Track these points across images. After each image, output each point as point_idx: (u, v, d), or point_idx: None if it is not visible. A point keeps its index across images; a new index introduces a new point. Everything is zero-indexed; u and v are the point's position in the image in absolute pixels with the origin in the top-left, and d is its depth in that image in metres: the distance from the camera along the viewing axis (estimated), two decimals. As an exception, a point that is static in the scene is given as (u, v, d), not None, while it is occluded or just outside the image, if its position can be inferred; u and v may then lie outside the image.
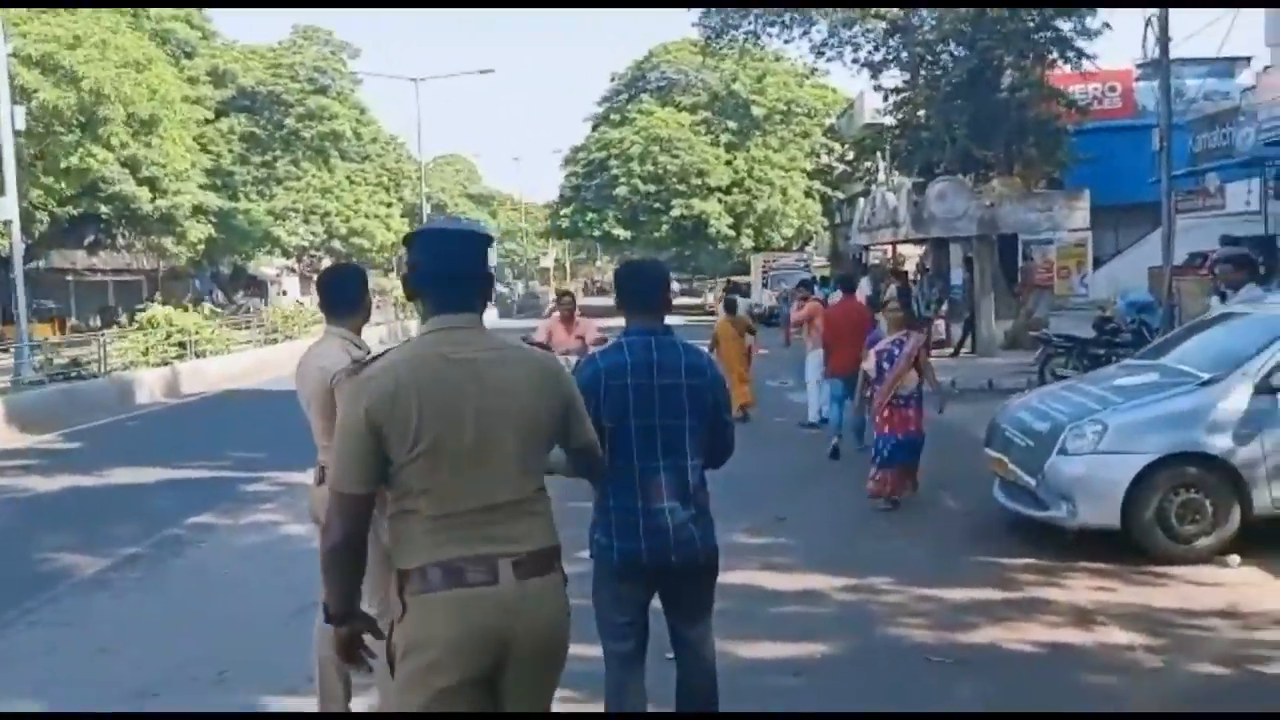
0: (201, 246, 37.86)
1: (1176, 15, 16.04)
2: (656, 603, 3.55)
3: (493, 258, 4.38)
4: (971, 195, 19.85)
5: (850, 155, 35.24)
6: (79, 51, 28.59)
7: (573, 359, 7.60)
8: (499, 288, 53.28)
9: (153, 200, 32.96)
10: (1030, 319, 19.61)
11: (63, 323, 34.19)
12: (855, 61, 25.56)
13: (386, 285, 43.81)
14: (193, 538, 8.04)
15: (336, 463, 2.52)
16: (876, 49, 25.01)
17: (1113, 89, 29.04)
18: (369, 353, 3.67)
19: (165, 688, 4.94)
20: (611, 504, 3.42)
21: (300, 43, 48.33)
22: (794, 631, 5.43)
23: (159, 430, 14.86)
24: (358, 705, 4.21)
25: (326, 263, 43.62)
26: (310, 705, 4.27)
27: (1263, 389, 6.44)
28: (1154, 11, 15.73)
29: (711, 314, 26.03)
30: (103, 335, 20.72)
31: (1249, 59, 25.88)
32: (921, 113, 23.80)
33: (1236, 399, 6.45)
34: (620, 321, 3.61)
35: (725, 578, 3.72)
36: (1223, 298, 8.96)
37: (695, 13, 26.84)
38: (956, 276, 21.78)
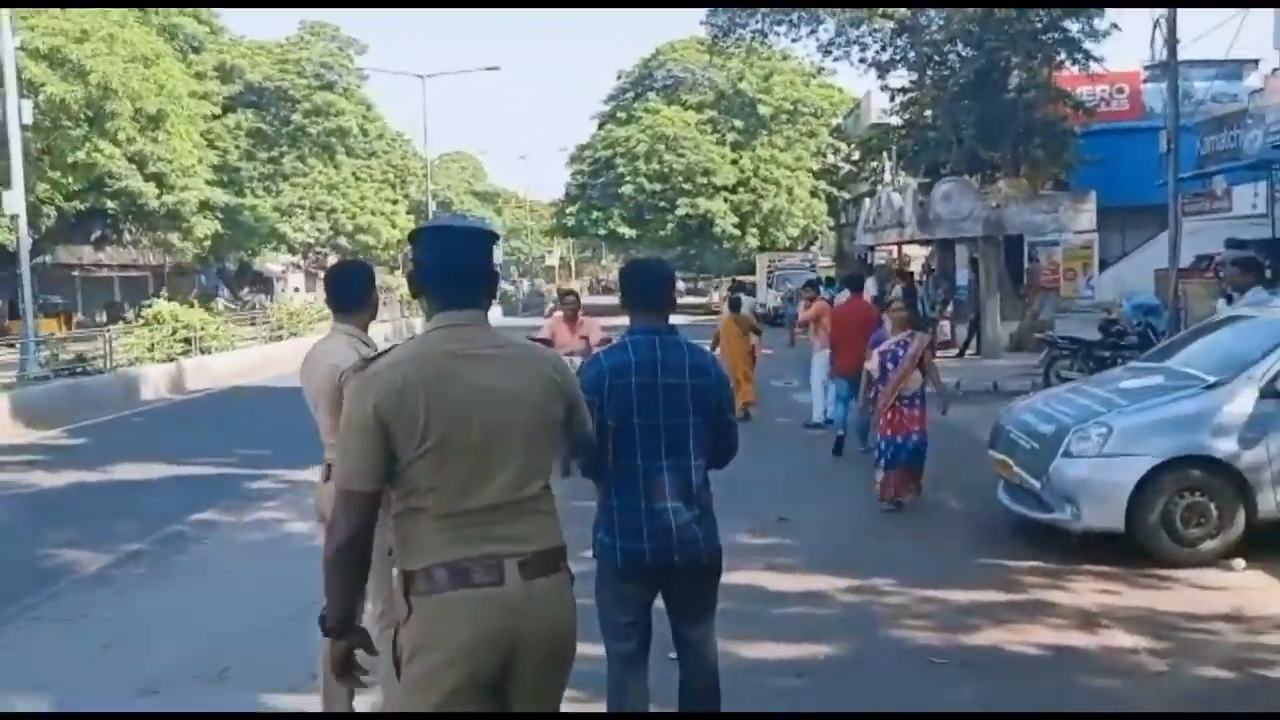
0: (208, 242, 37.86)
1: (1185, 17, 16.06)
2: (659, 603, 3.54)
3: (498, 255, 4.37)
4: (977, 196, 19.81)
5: (856, 155, 35.14)
6: (87, 46, 28.56)
7: (576, 360, 7.58)
8: (503, 285, 53.30)
9: (159, 196, 32.91)
10: (1035, 321, 19.55)
11: (68, 318, 34.27)
12: (862, 61, 25.62)
13: (392, 282, 43.79)
14: (196, 534, 8.05)
15: (343, 460, 2.49)
16: (884, 49, 25.03)
17: (1120, 90, 29.04)
18: (376, 350, 3.66)
19: (167, 685, 4.94)
20: (615, 503, 3.41)
21: (307, 38, 48.30)
22: (797, 632, 5.42)
23: (164, 426, 14.87)
24: (361, 705, 4.21)
25: (332, 259, 43.75)
26: (313, 703, 4.26)
27: (1268, 392, 6.43)
28: (1162, 13, 15.68)
29: (716, 313, 25.99)
30: (108, 331, 20.78)
31: (1257, 61, 25.85)
32: (928, 113, 23.77)
33: (1242, 402, 6.44)
34: (625, 320, 3.60)
35: (728, 578, 3.72)
36: (1229, 300, 8.95)
37: (702, 11, 26.99)
38: (962, 277, 21.75)
